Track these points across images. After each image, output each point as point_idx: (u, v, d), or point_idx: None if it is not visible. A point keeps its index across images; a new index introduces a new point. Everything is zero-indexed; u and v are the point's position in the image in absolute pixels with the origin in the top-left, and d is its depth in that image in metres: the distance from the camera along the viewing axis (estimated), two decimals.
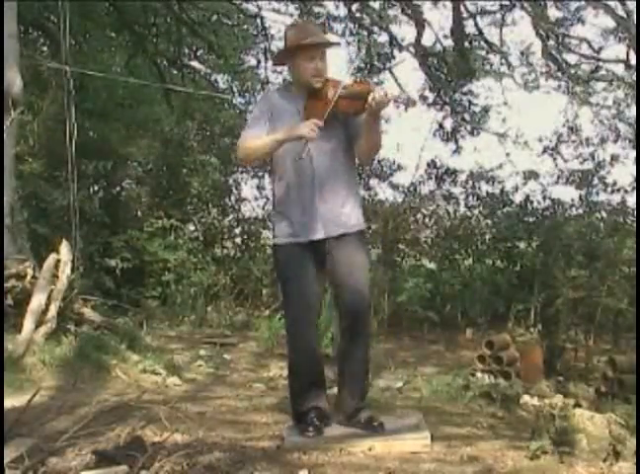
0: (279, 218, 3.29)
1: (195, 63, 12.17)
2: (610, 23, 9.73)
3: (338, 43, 3.75)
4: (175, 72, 11.21)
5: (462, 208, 9.42)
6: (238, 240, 9.89)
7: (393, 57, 10.72)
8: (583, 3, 9.86)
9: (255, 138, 3.19)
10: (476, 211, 9.29)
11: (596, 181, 9.07)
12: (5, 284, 4.86)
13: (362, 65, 10.97)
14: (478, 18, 10.51)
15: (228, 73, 12.12)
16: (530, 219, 8.87)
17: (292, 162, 3.14)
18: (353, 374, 3.28)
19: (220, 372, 5.40)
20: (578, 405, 3.79)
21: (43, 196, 7.53)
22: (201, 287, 8.15)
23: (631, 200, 8.69)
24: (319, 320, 4.42)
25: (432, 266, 9.00)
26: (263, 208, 9.87)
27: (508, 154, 10.35)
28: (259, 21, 10.95)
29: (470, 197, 9.38)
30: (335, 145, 3.19)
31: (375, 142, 3.20)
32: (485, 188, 9.36)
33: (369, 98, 2.96)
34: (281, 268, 3.31)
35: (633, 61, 9.75)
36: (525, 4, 9.75)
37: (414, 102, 3.03)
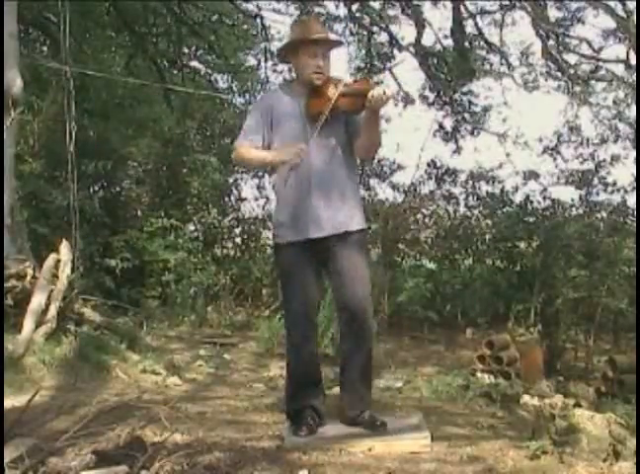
0: (278, 218, 3.30)
1: (195, 63, 12.18)
2: (610, 23, 9.73)
3: (340, 43, 3.76)
4: (175, 72, 11.21)
5: (462, 208, 9.43)
6: (238, 240, 9.89)
7: (393, 57, 10.73)
8: (583, 3, 9.86)
9: (249, 147, 3.24)
10: (476, 211, 9.29)
11: (596, 181, 9.07)
12: (5, 284, 4.86)
13: (362, 65, 10.99)
14: (478, 18, 10.52)
15: (228, 73, 12.12)
16: (530, 219, 8.86)
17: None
18: (353, 381, 3.25)
19: (220, 372, 5.40)
20: (578, 405, 3.79)
21: (43, 196, 7.53)
22: (201, 287, 8.14)
23: (631, 200, 8.69)
24: (319, 320, 4.41)
25: (432, 266, 9.00)
26: (263, 208, 9.88)
27: (508, 154, 10.36)
28: (259, 21, 10.94)
29: (470, 197, 9.38)
30: (334, 144, 3.19)
31: (375, 140, 3.21)
32: (485, 188, 9.37)
33: (369, 96, 2.97)
34: (281, 268, 3.32)
35: (633, 61, 9.73)
36: (525, 4, 9.74)
37: (412, 100, 3.07)
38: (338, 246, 3.18)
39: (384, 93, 2.97)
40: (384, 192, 9.58)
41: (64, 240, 5.55)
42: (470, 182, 9.40)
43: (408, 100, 3.09)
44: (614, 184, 8.99)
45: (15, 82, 5.44)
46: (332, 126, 3.16)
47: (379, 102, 2.98)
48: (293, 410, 3.28)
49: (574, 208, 8.94)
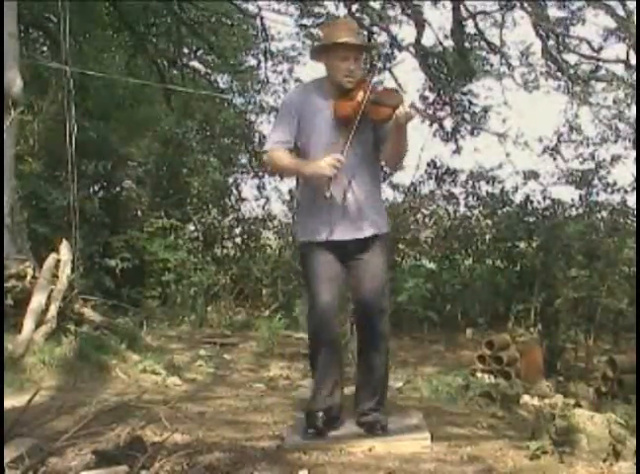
0: (303, 217, 3.33)
1: (195, 63, 12.20)
2: (610, 23, 9.74)
3: (372, 47, 3.74)
4: (175, 72, 11.22)
5: (462, 208, 9.44)
6: (238, 240, 9.90)
7: (393, 57, 10.72)
8: (583, 3, 9.86)
9: (282, 153, 3.21)
10: (476, 211, 9.30)
11: (596, 181, 9.07)
12: (5, 284, 4.86)
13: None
14: (478, 18, 10.52)
15: (228, 73, 12.13)
16: (530, 219, 8.86)
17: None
18: (368, 378, 3.27)
19: (220, 372, 5.40)
20: (578, 405, 3.79)
21: (43, 196, 7.53)
22: (201, 287, 8.14)
23: (631, 200, 8.71)
24: None
25: (432, 266, 9.00)
26: (263, 208, 9.89)
27: (508, 154, 10.36)
28: (259, 21, 10.96)
29: (470, 197, 9.39)
30: (362, 149, 3.20)
31: (401, 149, 3.22)
32: (485, 188, 9.38)
33: (398, 111, 3.00)
34: (305, 265, 3.32)
35: (633, 61, 9.75)
36: (525, 4, 9.75)
37: (438, 118, 3.11)
38: (363, 249, 3.21)
39: (413, 109, 3.02)
40: (384, 192, 9.59)
41: (64, 240, 5.55)
42: (470, 182, 9.41)
43: (435, 118, 3.10)
44: (614, 184, 9.00)
45: (15, 82, 5.44)
46: (361, 132, 3.16)
47: (407, 118, 3.03)
48: (310, 410, 3.25)
49: (574, 208, 8.95)
